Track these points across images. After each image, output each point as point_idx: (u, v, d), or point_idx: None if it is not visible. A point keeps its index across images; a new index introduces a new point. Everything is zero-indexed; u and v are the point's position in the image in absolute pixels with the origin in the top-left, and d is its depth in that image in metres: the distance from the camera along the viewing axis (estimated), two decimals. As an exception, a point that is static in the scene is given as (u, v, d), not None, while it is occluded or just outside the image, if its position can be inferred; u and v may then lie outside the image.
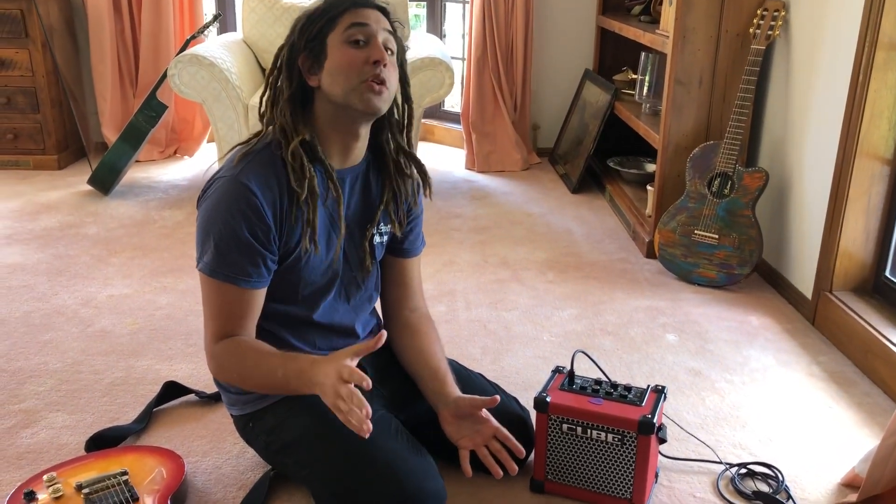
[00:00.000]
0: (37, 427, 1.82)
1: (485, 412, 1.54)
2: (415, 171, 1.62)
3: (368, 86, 1.42)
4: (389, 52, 1.47)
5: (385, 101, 1.46)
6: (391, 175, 1.59)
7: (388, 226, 1.63)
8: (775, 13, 2.59)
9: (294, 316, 1.56)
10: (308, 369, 1.37)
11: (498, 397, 1.53)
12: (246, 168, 1.43)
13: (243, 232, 1.41)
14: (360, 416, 1.26)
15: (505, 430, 1.53)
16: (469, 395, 1.56)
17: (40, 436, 1.79)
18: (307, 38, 1.46)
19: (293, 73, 1.47)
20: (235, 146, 1.51)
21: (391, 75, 1.46)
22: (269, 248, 1.45)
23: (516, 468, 1.52)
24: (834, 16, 2.36)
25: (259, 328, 1.54)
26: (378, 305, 1.76)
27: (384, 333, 1.34)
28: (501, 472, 1.51)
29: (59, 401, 1.93)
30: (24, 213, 3.30)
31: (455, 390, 1.58)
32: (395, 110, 1.57)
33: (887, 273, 2.29)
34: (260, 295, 1.48)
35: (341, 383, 1.28)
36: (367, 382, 1.27)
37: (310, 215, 1.46)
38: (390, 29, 1.48)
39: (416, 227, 1.70)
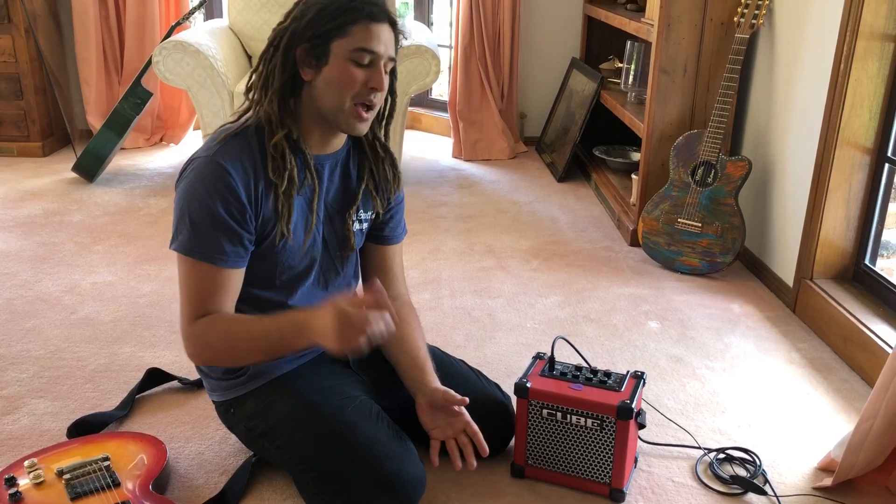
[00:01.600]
0: (19, 413, 1.82)
1: (459, 406, 1.53)
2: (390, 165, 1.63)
3: (357, 112, 1.44)
4: (387, 73, 1.47)
5: (368, 124, 1.48)
6: (370, 162, 1.59)
7: (369, 213, 1.63)
8: (759, 2, 2.60)
9: (271, 301, 1.56)
10: (305, 317, 1.38)
11: (467, 399, 1.51)
12: (222, 149, 1.44)
13: (219, 211, 1.41)
14: (379, 319, 1.29)
15: (475, 427, 1.51)
16: (444, 388, 1.55)
17: (22, 422, 1.79)
18: (313, 33, 1.42)
19: (288, 60, 1.44)
20: (220, 127, 1.51)
21: (382, 96, 1.48)
22: (246, 227, 1.45)
23: (474, 464, 1.51)
24: (816, 5, 2.37)
25: (238, 312, 1.54)
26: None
27: (377, 281, 1.37)
28: (461, 465, 1.51)
29: (41, 387, 1.93)
30: (7, 200, 3.29)
31: (433, 380, 1.58)
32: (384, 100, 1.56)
33: (867, 261, 2.31)
34: (237, 275, 1.48)
35: (345, 311, 1.29)
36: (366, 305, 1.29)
37: (286, 204, 1.46)
38: (394, 56, 1.47)
39: (397, 215, 1.70)
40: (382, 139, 1.59)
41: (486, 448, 1.51)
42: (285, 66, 1.44)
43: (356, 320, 1.28)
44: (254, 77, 1.50)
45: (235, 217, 1.43)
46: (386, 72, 1.47)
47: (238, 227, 1.44)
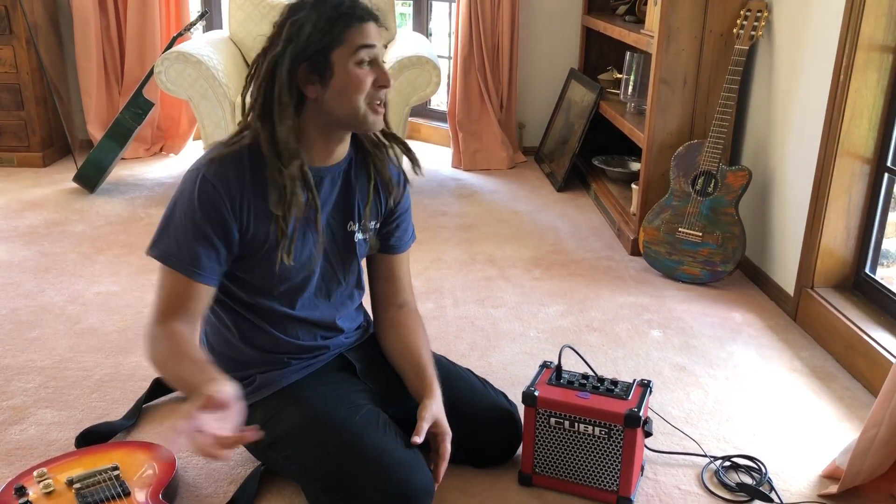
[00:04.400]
0: (26, 423, 1.82)
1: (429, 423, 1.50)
2: (397, 159, 1.64)
3: (374, 109, 1.47)
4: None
5: (382, 119, 1.52)
6: (374, 161, 1.60)
7: (373, 222, 1.64)
8: (758, 14, 2.63)
9: (275, 310, 1.57)
10: (206, 389, 1.31)
11: (419, 440, 1.47)
12: (211, 164, 1.45)
13: (202, 224, 1.43)
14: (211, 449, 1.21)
15: (445, 449, 1.50)
16: (420, 411, 1.51)
17: (29, 432, 1.79)
18: (312, 50, 1.41)
19: (293, 84, 1.43)
20: (215, 142, 1.53)
21: (388, 93, 1.51)
22: (228, 244, 1.46)
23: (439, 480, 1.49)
24: (815, 17, 2.40)
25: (245, 320, 1.57)
26: (367, 299, 1.78)
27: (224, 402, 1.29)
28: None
29: (47, 397, 1.93)
30: (8, 210, 3.29)
31: (429, 394, 1.55)
32: None
33: (867, 270, 2.33)
34: (207, 291, 1.48)
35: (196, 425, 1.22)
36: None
37: (284, 230, 1.47)
38: (383, 48, 1.51)
39: (404, 223, 1.71)
40: (387, 128, 1.59)
41: (439, 477, 1.49)
42: (291, 90, 1.43)
43: (199, 439, 1.20)
44: (248, 99, 1.50)
45: (217, 232, 1.45)
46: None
47: (218, 243, 1.45)
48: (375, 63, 1.46)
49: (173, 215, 1.47)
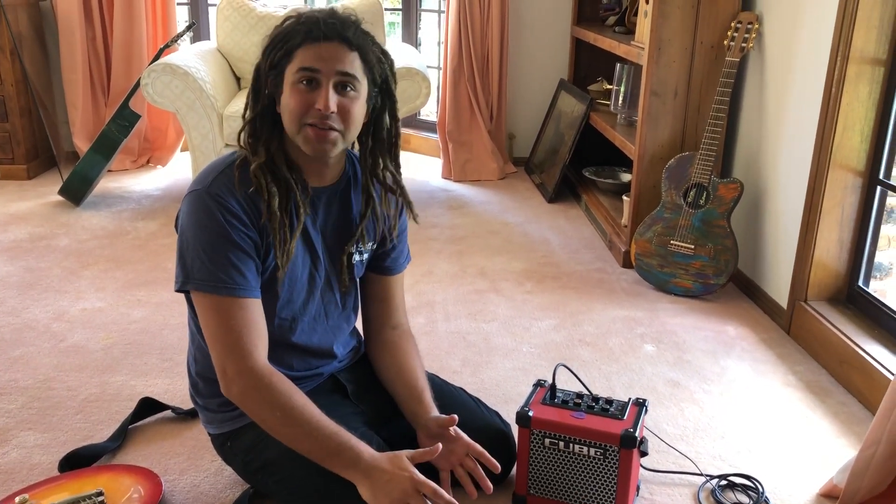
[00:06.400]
0: (7, 447, 1.78)
1: (455, 430, 1.51)
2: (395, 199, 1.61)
3: (313, 132, 1.39)
4: (349, 88, 1.40)
5: (333, 143, 1.41)
6: (373, 193, 1.57)
7: (370, 244, 1.61)
8: (749, 26, 2.62)
9: (272, 338, 1.50)
10: (369, 461, 1.36)
11: (456, 417, 1.51)
12: (215, 181, 1.42)
13: (231, 234, 1.39)
14: None
15: (478, 447, 1.50)
16: (435, 416, 1.54)
17: (11, 455, 1.75)
18: (270, 64, 1.42)
19: (260, 94, 1.45)
20: (211, 162, 1.50)
21: (344, 118, 1.40)
22: (256, 249, 1.43)
23: (490, 487, 1.48)
24: (806, 29, 2.39)
25: None
26: (359, 322, 1.75)
27: (439, 446, 1.40)
28: (476, 492, 1.49)
29: (30, 419, 1.88)
30: (-8, 224, 3.24)
31: (429, 411, 1.56)
32: (384, 128, 1.53)
33: (860, 283, 2.32)
34: (258, 305, 1.43)
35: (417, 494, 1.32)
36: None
37: (278, 235, 1.43)
38: (346, 71, 1.39)
39: (400, 245, 1.68)
40: (391, 168, 1.56)
41: (496, 465, 1.50)
42: (257, 100, 1.45)
43: None
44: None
45: (245, 241, 1.40)
46: (346, 88, 1.40)
47: (251, 251, 1.41)
48: (318, 86, 1.38)
49: (192, 241, 1.40)
